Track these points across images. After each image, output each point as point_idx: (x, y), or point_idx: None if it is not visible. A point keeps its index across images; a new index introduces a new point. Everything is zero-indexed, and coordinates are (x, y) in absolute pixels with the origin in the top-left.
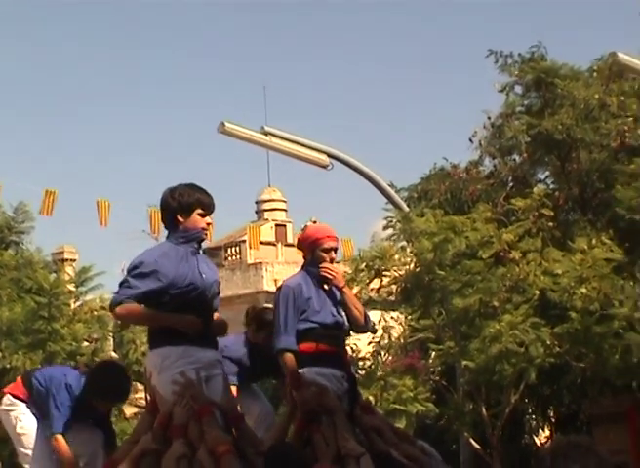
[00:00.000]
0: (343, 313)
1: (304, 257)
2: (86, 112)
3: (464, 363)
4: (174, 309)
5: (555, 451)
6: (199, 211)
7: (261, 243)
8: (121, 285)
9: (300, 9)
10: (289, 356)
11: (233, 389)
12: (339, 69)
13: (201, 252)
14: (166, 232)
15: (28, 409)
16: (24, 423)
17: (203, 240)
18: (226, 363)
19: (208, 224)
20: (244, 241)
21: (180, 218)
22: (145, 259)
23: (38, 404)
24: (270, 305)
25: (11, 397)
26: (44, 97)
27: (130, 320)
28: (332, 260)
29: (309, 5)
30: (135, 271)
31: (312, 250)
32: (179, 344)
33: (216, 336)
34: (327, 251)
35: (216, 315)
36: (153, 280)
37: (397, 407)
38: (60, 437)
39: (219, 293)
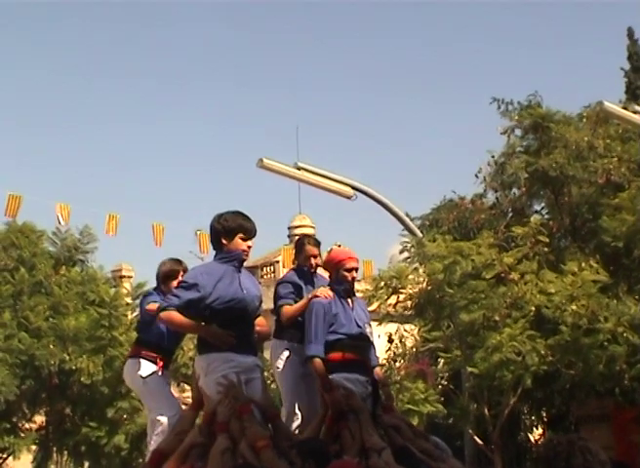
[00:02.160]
0: (367, 326)
1: (330, 277)
2: (142, 146)
3: (470, 369)
4: (217, 318)
5: (558, 448)
6: (241, 235)
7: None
8: (173, 291)
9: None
10: (318, 362)
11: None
12: (364, 111)
13: (244, 270)
14: (213, 253)
15: None
16: None
17: (244, 260)
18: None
19: (249, 247)
20: (277, 261)
21: (224, 241)
22: (190, 275)
23: None
24: None
25: None
26: (104, 130)
27: (170, 325)
28: (353, 279)
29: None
30: (182, 284)
31: (337, 270)
32: (222, 350)
33: (257, 344)
34: (349, 270)
35: (262, 321)
36: (194, 292)
37: (410, 407)
38: None
39: (262, 302)
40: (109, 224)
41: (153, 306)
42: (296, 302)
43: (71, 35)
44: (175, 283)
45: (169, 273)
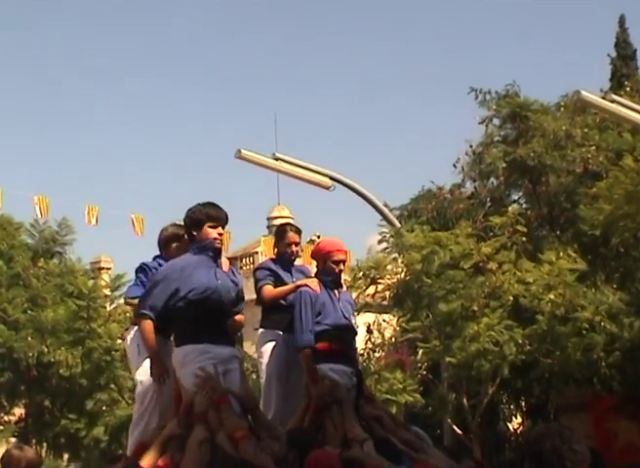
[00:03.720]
0: (352, 317)
1: (317, 267)
2: (119, 139)
3: (448, 359)
4: (192, 309)
5: (545, 435)
6: (209, 224)
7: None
8: (145, 291)
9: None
10: (308, 352)
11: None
12: (341, 102)
13: (223, 260)
14: None
15: None
16: None
17: (217, 248)
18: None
19: (220, 234)
20: (257, 252)
21: (194, 232)
22: (161, 270)
23: None
24: None
25: None
26: (86, 124)
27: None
28: (340, 271)
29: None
30: (153, 282)
31: (324, 260)
32: (199, 342)
33: (232, 334)
34: (337, 263)
35: (239, 317)
36: (165, 289)
37: (389, 397)
38: None
39: (242, 298)
40: (89, 216)
41: (135, 302)
42: (275, 287)
43: (48, 28)
44: (174, 245)
45: (171, 237)
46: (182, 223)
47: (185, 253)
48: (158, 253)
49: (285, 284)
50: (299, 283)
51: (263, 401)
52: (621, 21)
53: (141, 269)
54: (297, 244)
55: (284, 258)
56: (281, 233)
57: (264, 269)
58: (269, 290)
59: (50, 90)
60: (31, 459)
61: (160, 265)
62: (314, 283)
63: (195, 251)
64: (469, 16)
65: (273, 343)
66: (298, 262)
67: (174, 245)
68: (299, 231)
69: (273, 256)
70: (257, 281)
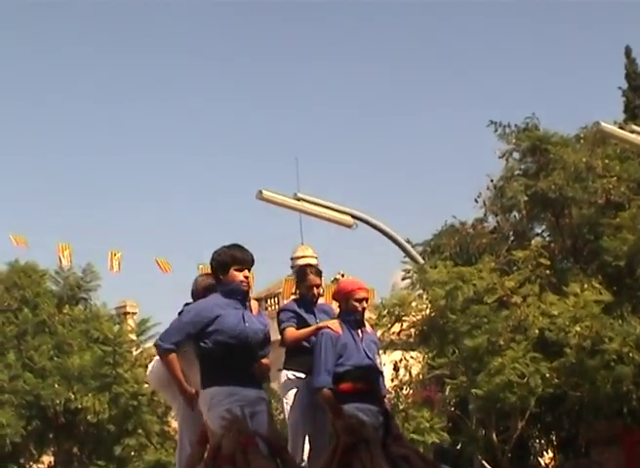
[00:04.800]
0: (376, 356)
1: (340, 307)
2: (141, 182)
3: (474, 391)
4: (218, 350)
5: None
6: (235, 266)
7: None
8: (171, 326)
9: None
10: (326, 392)
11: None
12: (362, 142)
13: (252, 303)
14: None
15: None
16: None
17: (244, 291)
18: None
19: (246, 277)
20: (280, 293)
21: (220, 276)
22: (189, 310)
23: None
24: None
25: None
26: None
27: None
28: (363, 309)
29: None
30: (181, 319)
31: (346, 300)
32: (226, 384)
33: (260, 378)
34: (359, 300)
35: (266, 360)
36: (190, 328)
37: (415, 437)
38: None
39: (269, 340)
40: (112, 261)
41: None
42: (298, 328)
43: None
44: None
45: (209, 287)
46: (209, 267)
47: (214, 295)
48: (190, 300)
49: (308, 325)
50: (320, 325)
51: (291, 444)
52: (628, 53)
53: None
54: (318, 286)
55: (306, 300)
56: (302, 275)
57: (288, 311)
58: (292, 331)
59: (70, 135)
60: None
61: None
62: (335, 324)
63: (223, 293)
64: (487, 51)
65: (295, 386)
66: (320, 301)
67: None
68: (319, 273)
69: (296, 297)
70: (280, 322)
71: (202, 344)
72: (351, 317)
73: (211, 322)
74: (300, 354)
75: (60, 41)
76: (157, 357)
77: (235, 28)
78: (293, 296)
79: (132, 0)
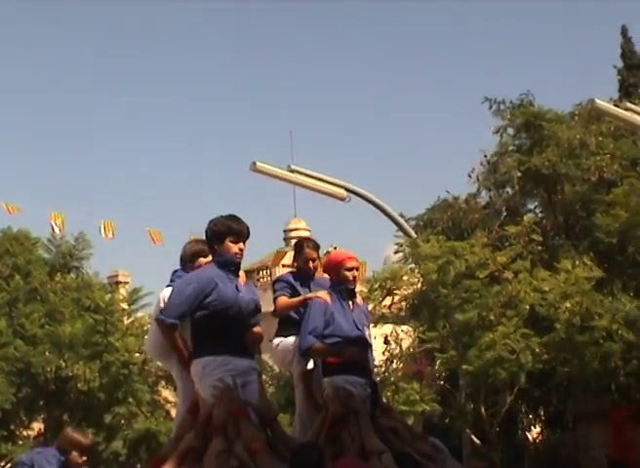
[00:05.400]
0: (365, 328)
1: (331, 280)
2: (134, 152)
3: (464, 367)
4: (212, 321)
5: (560, 444)
6: (231, 238)
7: (284, 266)
8: (173, 300)
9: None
10: (317, 346)
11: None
12: (356, 115)
13: (243, 274)
14: None
15: None
16: None
17: (238, 263)
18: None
19: (240, 250)
20: (270, 264)
21: (215, 246)
22: (184, 282)
23: None
24: None
25: None
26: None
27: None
28: (355, 278)
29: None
30: (175, 293)
31: (337, 270)
32: (218, 354)
33: (251, 347)
34: (349, 269)
35: (258, 329)
36: (195, 297)
37: (406, 408)
38: None
39: (259, 310)
40: (106, 230)
41: None
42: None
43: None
44: (203, 261)
45: (197, 252)
46: (204, 235)
47: (208, 266)
48: (178, 266)
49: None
50: (309, 295)
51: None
52: (624, 32)
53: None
54: (314, 260)
55: (303, 273)
56: (299, 249)
57: (283, 281)
58: (283, 300)
59: (64, 104)
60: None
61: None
62: (324, 293)
63: (217, 264)
64: (482, 29)
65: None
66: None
67: (199, 260)
68: (317, 246)
69: (293, 270)
70: (274, 292)
71: (198, 314)
72: (342, 286)
73: (209, 293)
74: (291, 325)
75: None
76: (153, 326)
77: (234, 9)
78: (290, 269)
79: None
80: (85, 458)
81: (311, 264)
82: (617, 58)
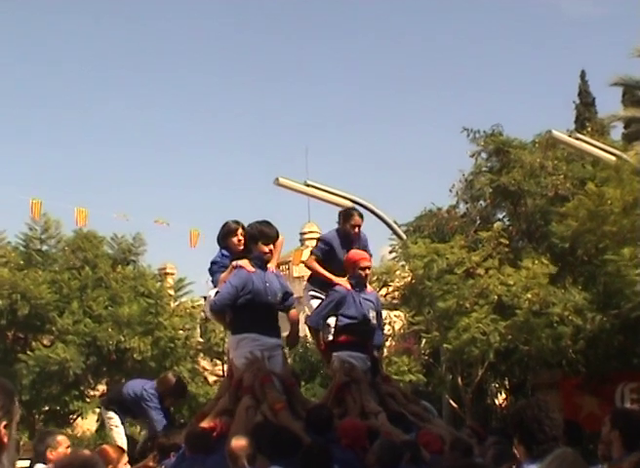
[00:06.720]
0: (371, 311)
1: (348, 273)
2: (181, 162)
3: (445, 346)
4: (248, 306)
5: (526, 406)
6: (262, 240)
7: (302, 262)
8: (225, 291)
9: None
10: (317, 329)
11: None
12: (359, 137)
13: (273, 269)
14: None
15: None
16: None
17: (267, 261)
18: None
19: (270, 250)
20: (290, 261)
21: (251, 246)
22: (242, 278)
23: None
24: None
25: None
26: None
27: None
28: (366, 275)
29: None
30: (230, 282)
31: (353, 267)
32: (251, 331)
33: (294, 325)
34: (363, 268)
35: (293, 311)
36: (238, 289)
37: (396, 377)
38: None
39: (291, 294)
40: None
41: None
42: (324, 259)
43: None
44: (234, 239)
45: (227, 232)
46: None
47: (248, 262)
48: (214, 257)
49: (338, 258)
50: (335, 280)
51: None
52: (583, 75)
53: (213, 263)
54: (359, 226)
55: (347, 236)
56: (348, 216)
57: (325, 242)
58: (314, 263)
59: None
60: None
61: (224, 255)
62: (346, 283)
63: (255, 261)
64: (471, 68)
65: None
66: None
67: (231, 238)
68: (362, 216)
69: (340, 229)
70: (316, 246)
71: (238, 302)
72: (355, 280)
73: (248, 285)
74: (318, 283)
75: None
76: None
77: (253, 15)
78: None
79: None
80: None
81: (356, 230)
82: (574, 96)
